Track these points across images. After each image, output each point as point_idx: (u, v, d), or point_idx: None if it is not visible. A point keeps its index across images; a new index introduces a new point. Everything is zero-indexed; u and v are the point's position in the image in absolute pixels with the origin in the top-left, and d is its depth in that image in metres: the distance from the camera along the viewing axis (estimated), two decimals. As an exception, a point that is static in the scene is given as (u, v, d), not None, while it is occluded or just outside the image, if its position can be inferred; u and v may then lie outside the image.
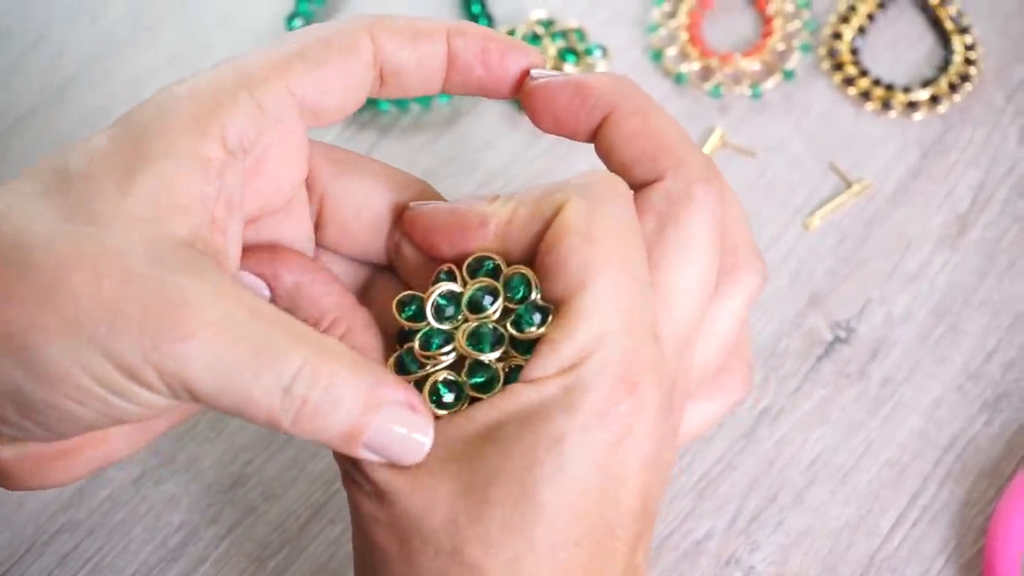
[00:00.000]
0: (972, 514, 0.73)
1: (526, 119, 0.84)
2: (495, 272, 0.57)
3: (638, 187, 0.57)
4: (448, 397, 0.55)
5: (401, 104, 0.86)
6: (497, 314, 0.56)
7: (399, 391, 0.53)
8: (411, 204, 0.59)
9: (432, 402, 0.55)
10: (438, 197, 0.61)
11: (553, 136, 0.84)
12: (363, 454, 0.53)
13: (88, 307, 0.49)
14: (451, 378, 0.56)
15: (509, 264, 0.57)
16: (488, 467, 0.52)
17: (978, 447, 0.75)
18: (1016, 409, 0.76)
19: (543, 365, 0.53)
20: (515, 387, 0.53)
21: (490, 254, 0.57)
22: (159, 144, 0.52)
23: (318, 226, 0.60)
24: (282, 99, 0.54)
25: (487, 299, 0.56)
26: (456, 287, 0.57)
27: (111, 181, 0.51)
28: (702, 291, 0.56)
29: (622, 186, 0.56)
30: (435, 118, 0.87)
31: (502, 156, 0.85)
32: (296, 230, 0.59)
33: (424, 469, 0.53)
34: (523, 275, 0.55)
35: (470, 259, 0.57)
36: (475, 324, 0.56)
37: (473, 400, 0.55)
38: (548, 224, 0.55)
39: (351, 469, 0.55)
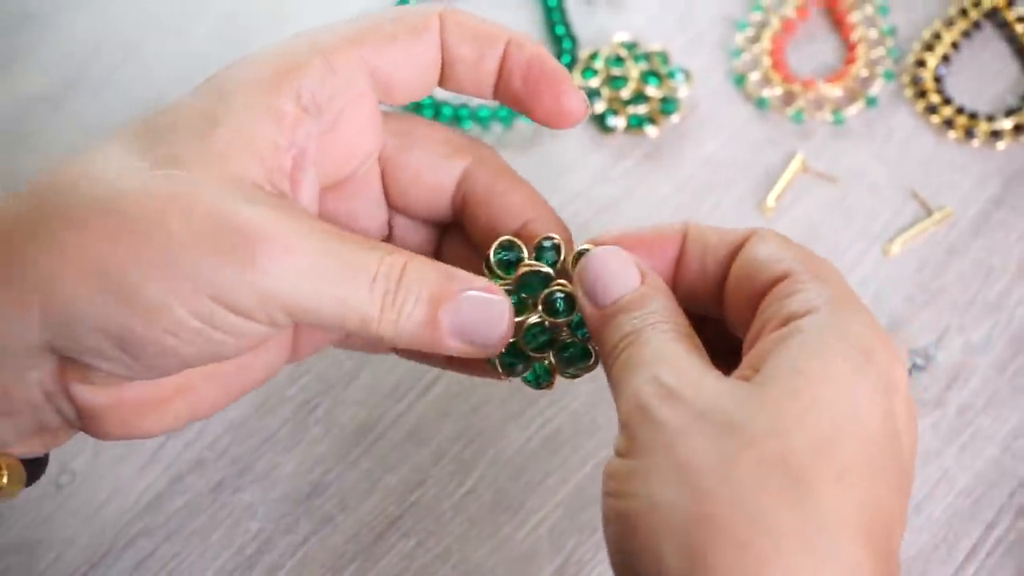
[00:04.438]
0: (1048, 546, 0.73)
1: (608, 140, 0.86)
2: (556, 250, 0.61)
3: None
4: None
5: (483, 123, 0.87)
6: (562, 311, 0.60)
7: (475, 279, 0.57)
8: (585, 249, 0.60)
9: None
10: (496, 159, 0.63)
11: (634, 158, 0.85)
12: (447, 339, 0.56)
13: (184, 241, 0.52)
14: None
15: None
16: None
17: (1055, 479, 0.75)
18: (1094, 442, 0.75)
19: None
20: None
21: (554, 236, 0.61)
22: (237, 98, 0.56)
23: (384, 192, 0.64)
24: (354, 65, 0.58)
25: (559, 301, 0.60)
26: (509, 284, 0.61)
27: (193, 130, 0.55)
28: None
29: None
30: (517, 138, 0.87)
31: (583, 177, 0.85)
32: (370, 198, 0.63)
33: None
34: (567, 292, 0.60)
35: (539, 239, 0.61)
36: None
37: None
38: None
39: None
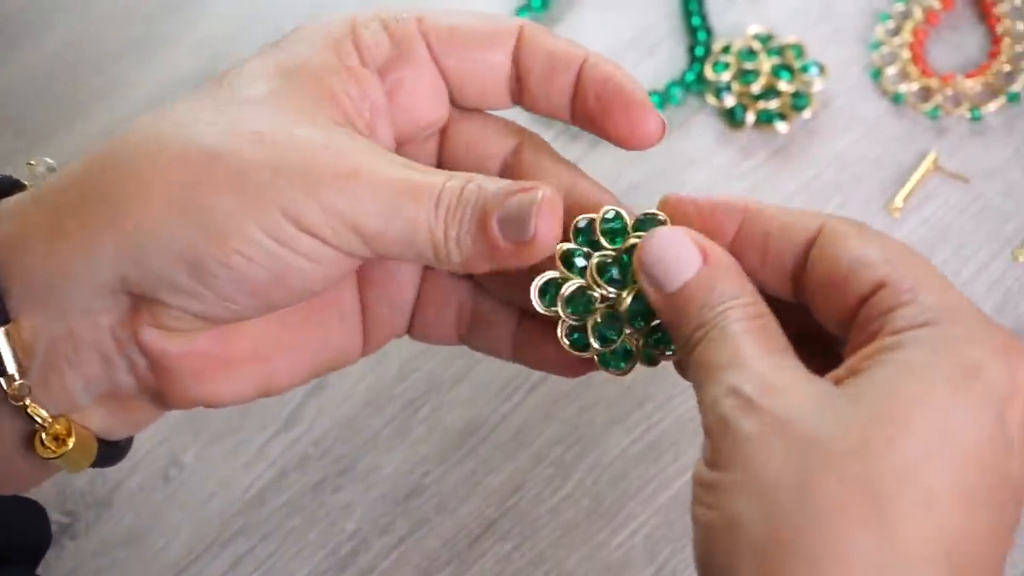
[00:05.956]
0: None
1: (736, 136, 0.83)
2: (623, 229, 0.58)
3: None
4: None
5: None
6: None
7: (529, 183, 0.56)
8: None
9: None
10: (547, 145, 0.62)
11: (762, 155, 0.83)
12: (498, 244, 0.55)
13: (254, 160, 0.54)
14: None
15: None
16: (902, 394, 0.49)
17: None
18: None
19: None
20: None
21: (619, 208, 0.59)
22: (306, 50, 0.58)
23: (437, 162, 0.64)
24: (412, 31, 0.60)
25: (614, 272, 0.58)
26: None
27: (262, 78, 0.57)
28: None
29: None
30: (645, 131, 0.86)
31: (709, 173, 0.83)
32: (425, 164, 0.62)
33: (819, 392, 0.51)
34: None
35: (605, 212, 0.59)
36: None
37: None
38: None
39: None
